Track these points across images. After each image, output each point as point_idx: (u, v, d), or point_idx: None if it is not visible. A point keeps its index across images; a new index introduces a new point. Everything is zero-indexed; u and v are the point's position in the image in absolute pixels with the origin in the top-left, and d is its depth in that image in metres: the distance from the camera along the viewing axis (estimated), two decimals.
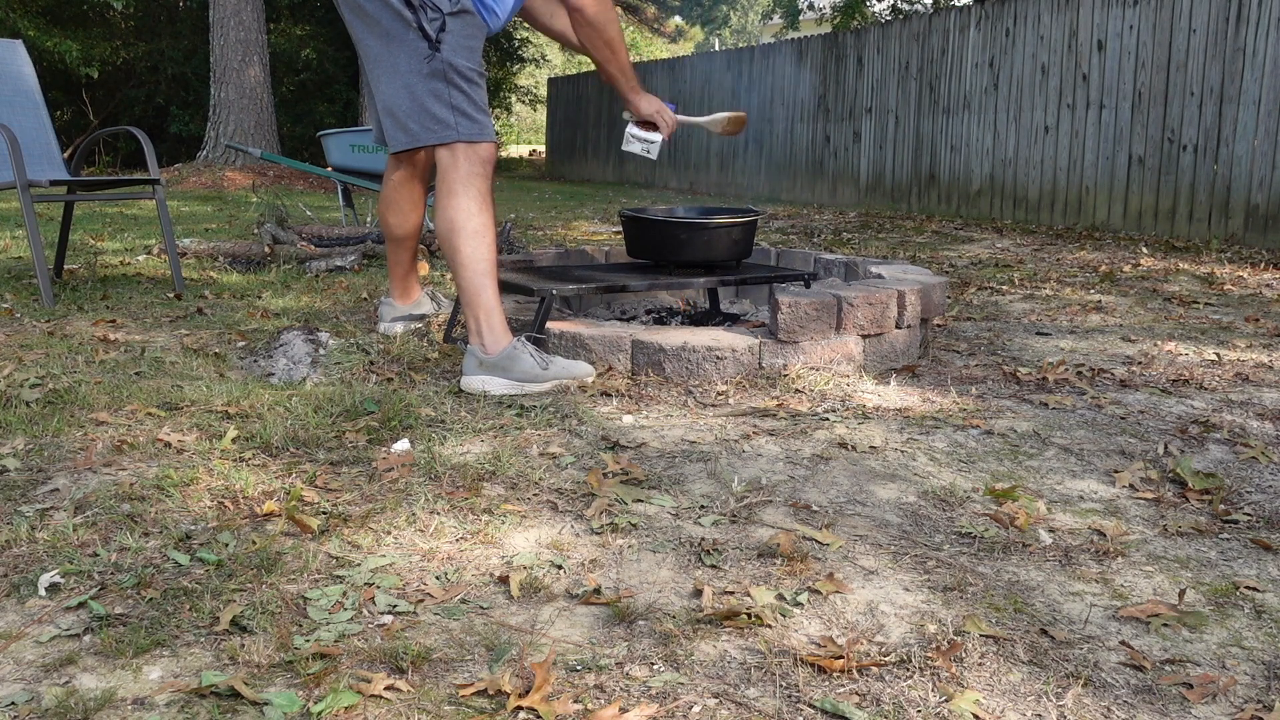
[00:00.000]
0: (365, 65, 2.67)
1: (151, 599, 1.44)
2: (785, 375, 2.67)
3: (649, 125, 2.96)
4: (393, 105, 2.60)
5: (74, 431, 2.14)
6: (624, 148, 3.00)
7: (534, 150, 25.41)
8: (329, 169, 6.47)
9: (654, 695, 1.23)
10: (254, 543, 1.62)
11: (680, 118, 2.98)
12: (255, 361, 2.88)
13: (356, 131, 6.32)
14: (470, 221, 2.56)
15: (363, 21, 2.60)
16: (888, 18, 14.35)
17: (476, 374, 2.54)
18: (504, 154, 21.67)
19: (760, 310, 3.63)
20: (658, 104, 2.94)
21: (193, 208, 8.44)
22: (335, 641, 1.33)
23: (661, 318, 3.40)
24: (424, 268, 4.70)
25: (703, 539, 1.68)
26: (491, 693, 1.22)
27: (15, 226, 6.26)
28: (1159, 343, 3.35)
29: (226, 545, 1.61)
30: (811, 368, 2.72)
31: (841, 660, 1.30)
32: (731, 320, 3.32)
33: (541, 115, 21.12)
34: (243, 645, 1.31)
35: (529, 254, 3.75)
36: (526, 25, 20.17)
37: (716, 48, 28.03)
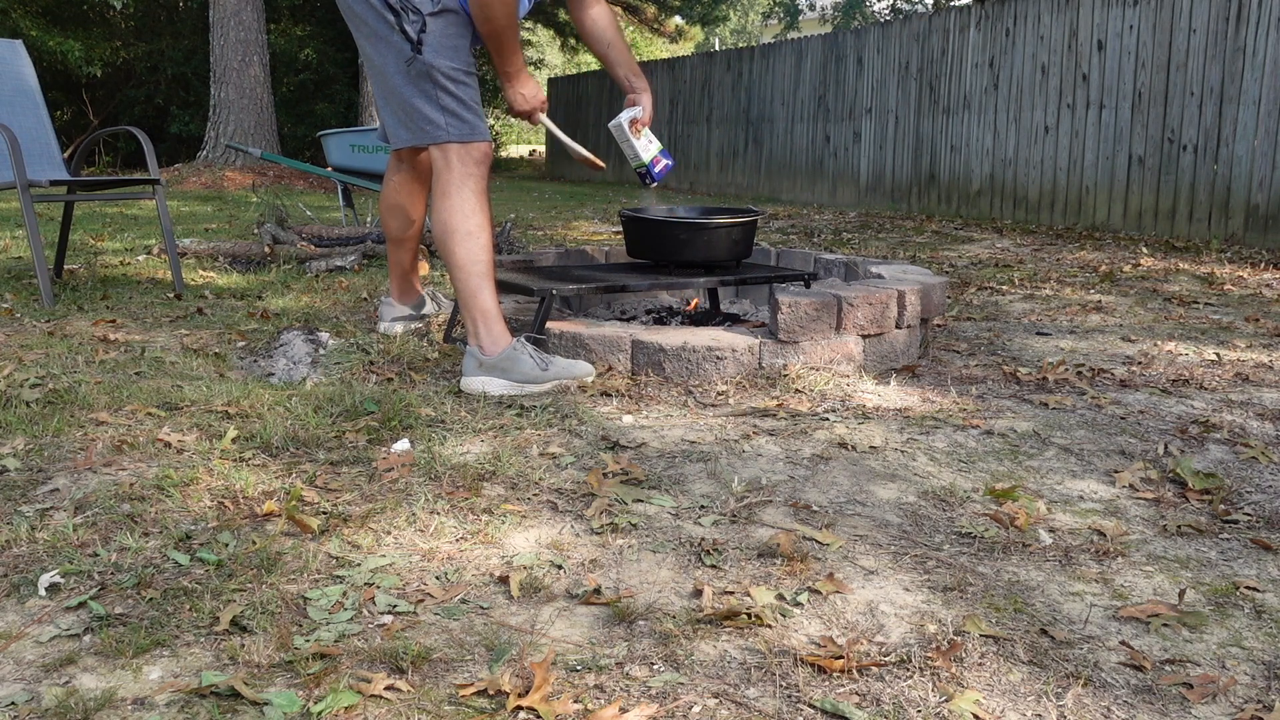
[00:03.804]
0: (364, 65, 2.68)
1: (151, 599, 1.44)
2: (785, 375, 2.66)
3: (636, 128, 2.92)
4: (390, 105, 2.61)
5: (74, 431, 2.14)
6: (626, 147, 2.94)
7: (534, 150, 25.40)
8: (329, 169, 6.48)
9: (654, 695, 1.23)
10: (254, 543, 1.62)
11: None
12: (255, 361, 2.88)
13: (356, 131, 6.32)
14: (465, 222, 2.56)
15: (354, 23, 2.61)
16: (888, 18, 14.35)
17: (476, 375, 2.54)
18: (504, 154, 21.67)
19: (760, 310, 3.63)
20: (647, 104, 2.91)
21: (193, 208, 8.44)
22: (335, 641, 1.33)
23: (661, 318, 3.40)
24: (424, 268, 4.70)
25: (703, 539, 1.68)
26: (491, 693, 1.22)
27: (15, 226, 6.26)
28: (1159, 343, 3.35)
29: (226, 545, 1.61)
30: (811, 368, 2.72)
31: (841, 660, 1.30)
32: (731, 320, 3.32)
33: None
34: (243, 645, 1.31)
35: (529, 254, 3.75)
36: (526, 26, 20.18)
37: (716, 47, 28.04)
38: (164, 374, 2.66)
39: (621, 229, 4.11)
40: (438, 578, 1.53)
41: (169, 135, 14.25)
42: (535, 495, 1.86)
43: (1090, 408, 2.53)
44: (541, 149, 23.46)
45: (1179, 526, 1.78)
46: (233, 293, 4.05)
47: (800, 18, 16.53)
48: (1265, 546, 1.71)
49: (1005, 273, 5.07)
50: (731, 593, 1.50)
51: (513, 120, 24.67)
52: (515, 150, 25.36)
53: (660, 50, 25.88)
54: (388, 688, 1.22)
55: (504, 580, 1.52)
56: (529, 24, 19.97)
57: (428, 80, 2.52)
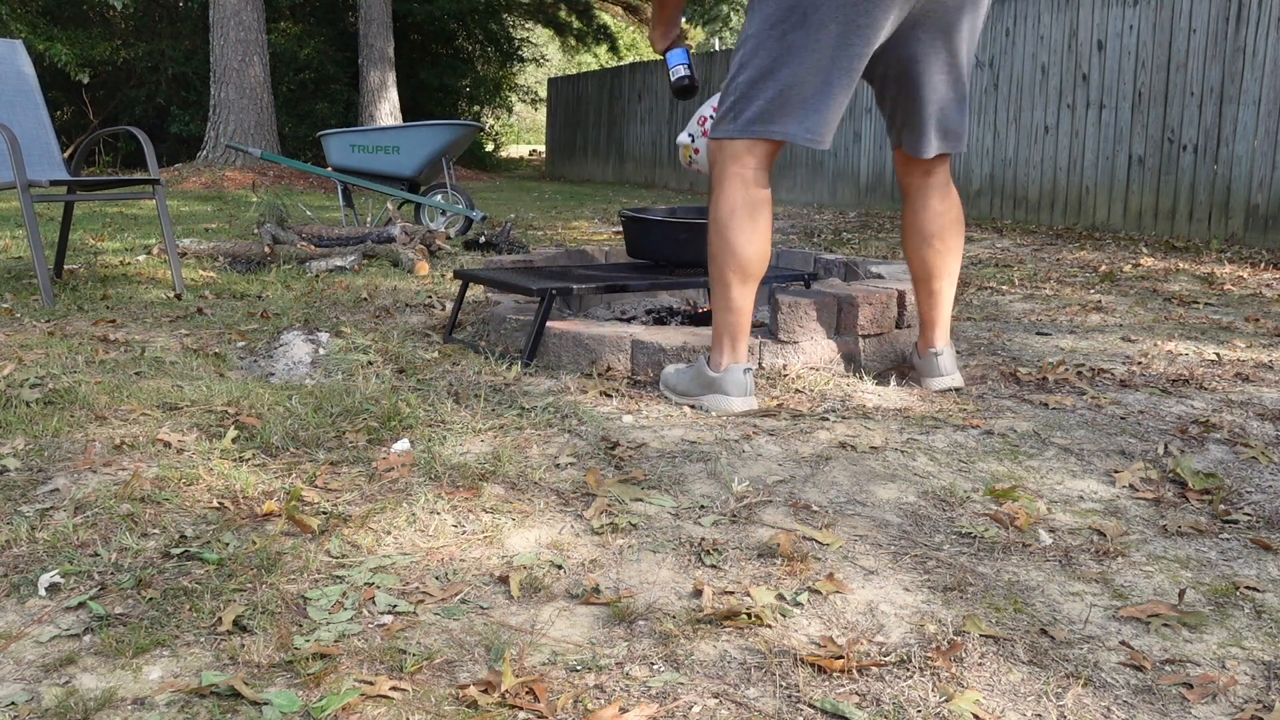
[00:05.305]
0: (941, 67, 2.36)
1: (151, 599, 1.44)
2: (785, 375, 2.66)
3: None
4: (960, 107, 2.46)
5: (74, 431, 2.14)
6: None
7: (534, 150, 25.40)
8: (329, 169, 6.48)
9: (654, 695, 1.23)
10: (254, 543, 1.62)
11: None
12: (255, 361, 2.88)
13: (356, 131, 6.32)
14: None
15: (975, 18, 2.38)
16: None
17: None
18: (504, 154, 21.69)
19: (760, 310, 3.63)
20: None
21: (193, 208, 8.44)
22: (335, 641, 1.33)
23: (661, 318, 3.40)
24: (424, 268, 4.70)
25: (703, 539, 1.68)
26: (491, 693, 1.22)
27: (15, 226, 6.26)
28: (1159, 343, 3.35)
29: (226, 545, 1.61)
30: (811, 368, 2.72)
31: (841, 660, 1.30)
32: None
33: (541, 115, 21.11)
34: (243, 645, 1.31)
35: (529, 254, 3.75)
36: (527, 25, 20.15)
37: (717, 48, 28.03)
38: (164, 374, 2.66)
39: (621, 229, 4.11)
40: (438, 578, 1.53)
41: (169, 135, 14.24)
42: (535, 495, 1.86)
43: (1090, 408, 2.53)
44: (541, 149, 23.45)
45: (1179, 526, 1.78)
46: (233, 293, 4.05)
47: None
48: (1265, 546, 1.71)
49: (1005, 272, 5.07)
50: (731, 593, 1.50)
51: (513, 120, 24.70)
52: (515, 150, 25.36)
53: None
54: (388, 687, 1.22)
55: (504, 580, 1.52)
56: (528, 24, 19.97)
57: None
